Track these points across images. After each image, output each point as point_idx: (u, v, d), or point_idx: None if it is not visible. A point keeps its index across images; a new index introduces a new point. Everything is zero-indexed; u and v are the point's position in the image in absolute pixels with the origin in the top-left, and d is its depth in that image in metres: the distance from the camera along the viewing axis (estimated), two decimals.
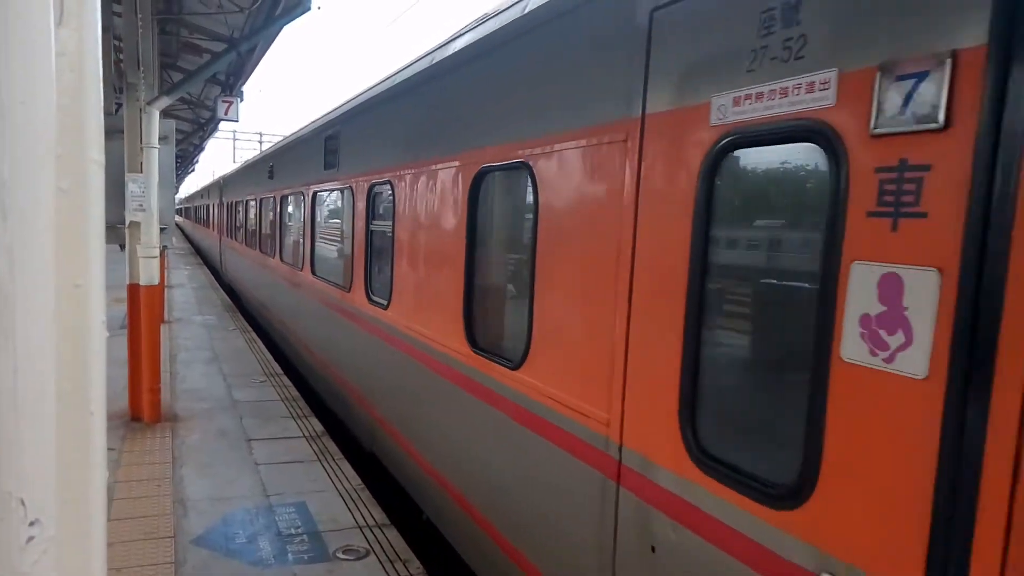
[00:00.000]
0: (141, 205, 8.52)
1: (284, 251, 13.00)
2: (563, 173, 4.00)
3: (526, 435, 4.29)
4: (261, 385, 11.06)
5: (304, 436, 8.65)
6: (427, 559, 6.04)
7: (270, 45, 11.99)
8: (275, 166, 14.28)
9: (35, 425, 0.66)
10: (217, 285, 25.21)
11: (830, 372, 2.37)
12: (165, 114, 9.21)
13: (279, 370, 12.12)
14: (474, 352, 5.06)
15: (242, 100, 14.33)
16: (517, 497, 4.42)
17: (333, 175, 9.30)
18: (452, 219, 5.51)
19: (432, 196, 5.94)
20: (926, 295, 2.09)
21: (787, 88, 2.56)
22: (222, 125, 28.10)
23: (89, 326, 0.80)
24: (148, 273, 8.79)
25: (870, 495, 2.26)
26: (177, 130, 10.63)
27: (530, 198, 4.33)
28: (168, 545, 5.72)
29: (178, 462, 7.57)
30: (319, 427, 9.02)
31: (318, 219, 10.53)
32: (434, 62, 6.12)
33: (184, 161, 37.35)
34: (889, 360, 2.20)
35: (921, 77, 2.11)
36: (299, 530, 6.09)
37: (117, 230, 8.66)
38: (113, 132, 8.52)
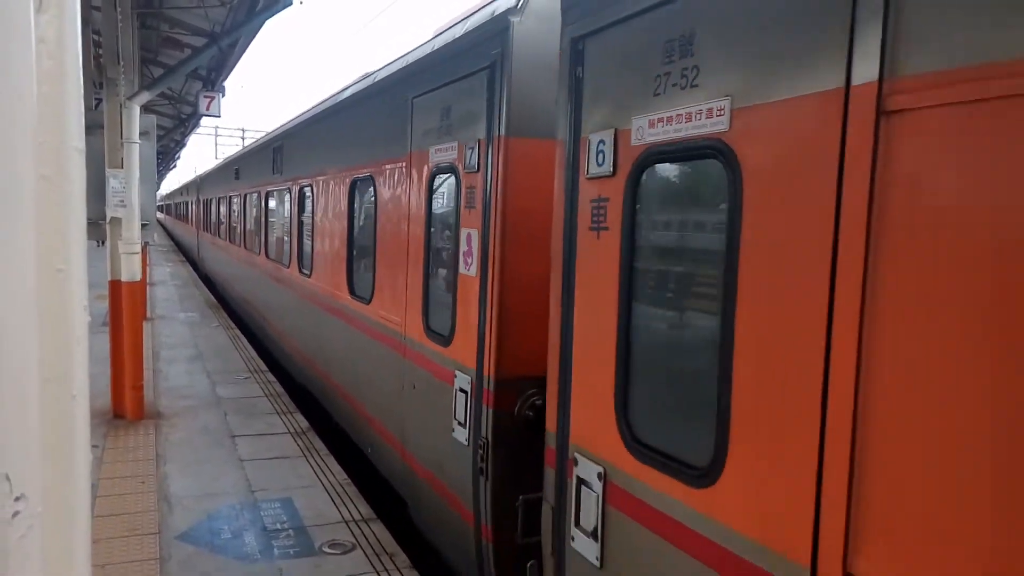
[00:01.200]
0: (122, 201, 8.45)
1: (247, 240, 15.60)
2: (385, 183, 6.74)
3: (372, 342, 7.06)
4: (245, 382, 11.02)
5: (289, 432, 8.64)
6: (414, 552, 6.06)
7: (252, 40, 11.91)
8: (240, 169, 17.01)
9: (18, 404, 0.67)
10: (200, 282, 25.05)
11: (457, 279, 5.05)
12: (146, 109, 9.13)
13: (263, 367, 12.08)
14: (352, 298, 7.76)
15: (224, 95, 14.20)
16: (363, 376, 7.37)
17: (279, 178, 11.93)
18: (342, 212, 8.16)
19: (332, 196, 8.64)
20: (475, 241, 4.78)
21: (447, 148, 5.28)
22: (204, 121, 27.90)
23: (71, 311, 0.81)
24: (130, 269, 8.73)
25: (467, 331, 4.91)
26: (158, 126, 10.56)
27: (374, 198, 7.05)
28: (152, 541, 5.71)
29: (162, 459, 7.54)
30: (304, 423, 9.01)
31: (270, 213, 13.04)
32: (332, 104, 8.98)
33: (165, 157, 37.03)
34: (468, 269, 4.87)
35: (475, 147, 4.81)
36: (285, 525, 6.09)
37: (98, 226, 8.59)
38: (93, 127, 8.44)
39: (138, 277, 8.92)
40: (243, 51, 13.02)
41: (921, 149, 2.02)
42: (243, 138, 58.53)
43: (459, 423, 4.99)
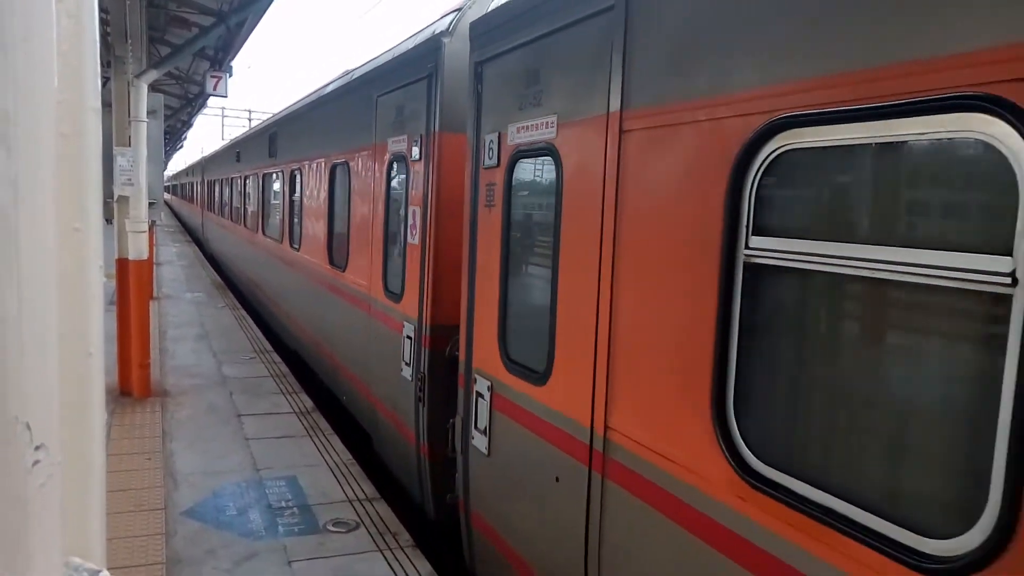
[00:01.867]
0: (129, 179, 8.47)
1: (247, 219, 16.90)
2: (357, 168, 7.90)
3: (347, 304, 8.26)
4: (251, 361, 11.07)
5: (294, 412, 8.69)
6: (417, 531, 6.10)
7: (260, 19, 11.82)
8: (240, 152, 18.46)
9: (37, 358, 0.68)
10: (206, 262, 25.10)
11: (406, 248, 6.21)
12: (153, 88, 9.11)
13: (269, 347, 12.13)
14: (330, 267, 9.01)
15: (231, 76, 14.14)
16: (340, 333, 8.66)
17: (274, 162, 13.24)
18: (324, 192, 9.39)
19: (316, 179, 9.89)
20: (418, 216, 5.96)
21: (400, 140, 6.40)
22: (211, 101, 27.82)
23: (87, 270, 0.82)
24: (137, 248, 8.75)
25: (413, 289, 6.06)
26: (165, 105, 10.55)
27: (348, 181, 8.21)
28: (159, 517, 5.76)
29: (168, 436, 7.59)
30: (309, 403, 9.06)
31: (266, 194, 14.31)
32: (317, 96, 10.32)
33: (172, 137, 36.98)
34: (413, 239, 6.04)
35: (418, 140, 5.97)
36: (289, 503, 6.14)
37: (105, 204, 8.60)
38: (101, 106, 8.42)
39: (145, 255, 8.95)
40: (251, 31, 12.93)
41: (635, 156, 3.21)
42: (249, 119, 58.34)
43: (406, 363, 6.29)
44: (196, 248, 31.08)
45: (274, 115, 14.63)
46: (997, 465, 1.89)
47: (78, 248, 0.80)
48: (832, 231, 2.37)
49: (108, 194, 8.51)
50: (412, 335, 6.11)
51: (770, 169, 2.57)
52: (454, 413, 5.24)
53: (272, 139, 13.55)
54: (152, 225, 10.44)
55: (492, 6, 5.07)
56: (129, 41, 8.59)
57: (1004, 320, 1.88)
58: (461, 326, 5.01)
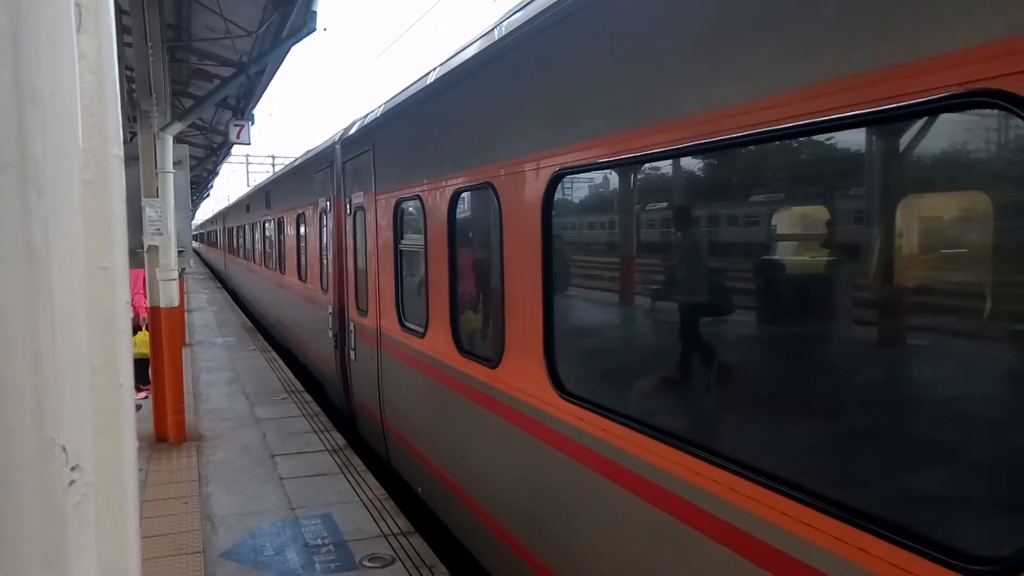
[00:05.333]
0: (159, 229, 8.68)
1: (255, 256, 22.26)
2: (308, 216, 12.52)
3: (307, 302, 12.74)
4: (283, 402, 11.18)
5: (327, 450, 8.74)
6: (453, 564, 6.09)
7: (278, 67, 12.17)
8: (249, 204, 24.13)
9: (72, 382, 0.74)
10: (236, 307, 25.48)
11: (329, 262, 10.86)
12: (178, 140, 9.37)
13: (300, 387, 12.25)
14: (299, 280, 13.34)
15: (253, 123, 14.51)
16: (303, 321, 13.31)
17: (270, 212, 18.07)
18: (295, 232, 13.92)
19: (290, 224, 14.52)
20: (331, 243, 10.80)
21: (324, 200, 11.10)
22: (235, 149, 28.43)
23: (115, 306, 0.88)
24: (168, 295, 8.94)
25: (331, 285, 10.72)
26: (191, 155, 10.84)
27: (305, 224, 12.94)
28: (197, 560, 5.82)
29: (204, 480, 7.68)
30: (341, 440, 9.11)
31: (267, 236, 18.88)
32: (288, 168, 16.00)
33: (199, 186, 37.81)
34: (330, 256, 11.32)
35: (330, 201, 10.58)
36: (325, 540, 6.17)
37: (136, 255, 8.81)
38: (128, 159, 8.59)
39: (176, 303, 9.13)
40: (270, 78, 13.31)
41: (380, 210, 7.90)
42: (273, 165, 59.38)
43: (330, 328, 10.49)
44: (226, 294, 31.57)
45: (269, 177, 22.48)
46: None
47: (106, 285, 0.86)
48: (408, 234, 7.05)
49: (139, 245, 8.72)
50: (332, 311, 10.34)
51: (400, 216, 7.17)
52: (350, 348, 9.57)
53: (268, 195, 18.85)
54: (182, 272, 10.70)
55: (352, 131, 9.27)
56: (154, 96, 8.87)
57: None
58: (344, 299, 9.64)
